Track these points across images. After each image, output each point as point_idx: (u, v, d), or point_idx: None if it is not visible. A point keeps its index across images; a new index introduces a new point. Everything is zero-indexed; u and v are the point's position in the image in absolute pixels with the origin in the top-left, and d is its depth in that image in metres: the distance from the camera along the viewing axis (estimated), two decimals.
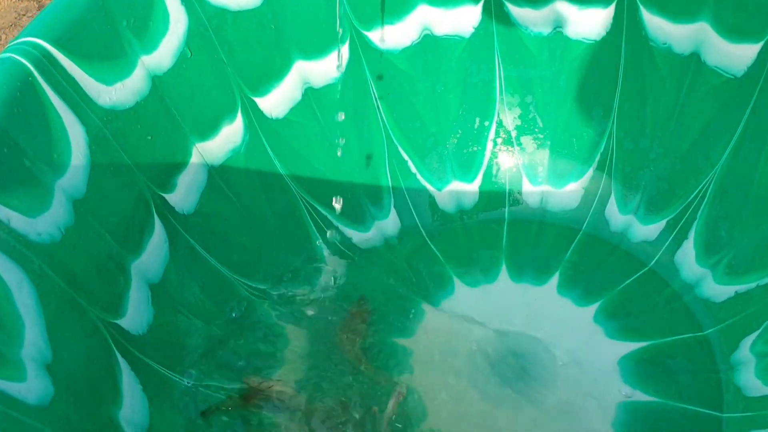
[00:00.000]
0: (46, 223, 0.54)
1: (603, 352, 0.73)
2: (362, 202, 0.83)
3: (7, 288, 0.48)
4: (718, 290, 0.75)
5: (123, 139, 0.64)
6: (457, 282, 0.80)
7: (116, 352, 0.59)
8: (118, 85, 0.64)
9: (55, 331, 0.51)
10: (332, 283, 0.79)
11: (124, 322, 0.62)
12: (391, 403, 0.67)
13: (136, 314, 0.63)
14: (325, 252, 0.82)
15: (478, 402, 0.70)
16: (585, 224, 0.84)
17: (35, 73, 0.57)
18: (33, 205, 0.54)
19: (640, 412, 0.69)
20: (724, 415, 0.68)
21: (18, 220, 0.52)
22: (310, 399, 0.68)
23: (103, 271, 0.60)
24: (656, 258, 0.80)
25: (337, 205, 0.80)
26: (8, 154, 0.53)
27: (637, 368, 0.72)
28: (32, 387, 0.46)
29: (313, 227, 0.81)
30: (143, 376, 0.61)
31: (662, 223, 0.80)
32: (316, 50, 0.78)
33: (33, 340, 0.48)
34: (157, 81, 0.68)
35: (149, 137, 0.67)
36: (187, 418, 0.64)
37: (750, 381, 0.68)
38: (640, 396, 0.70)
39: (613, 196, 0.83)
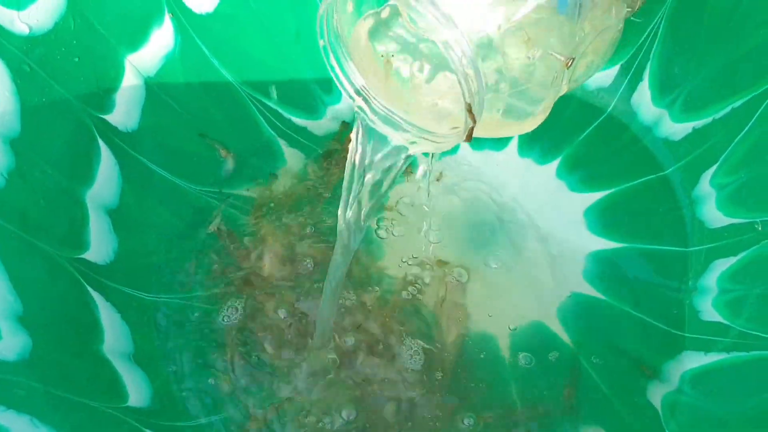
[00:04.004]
0: None
1: (568, 207, 0.75)
2: (311, 89, 0.80)
3: None
4: (675, 128, 0.75)
5: (49, 66, 0.60)
6: (420, 157, 0.79)
7: (87, 287, 0.58)
8: (32, 7, 0.59)
9: (19, 281, 0.50)
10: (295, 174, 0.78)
11: (90, 255, 0.60)
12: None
13: (100, 244, 0.62)
14: (282, 144, 0.80)
15: (454, 265, 0.72)
16: None
17: None
18: None
19: (608, 259, 0.71)
20: (689, 249, 0.70)
21: None
22: None
23: (57, 208, 0.58)
24: (613, 104, 0.79)
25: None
26: None
27: (603, 217, 0.73)
28: (9, 344, 0.46)
29: (264, 123, 0.79)
30: (119, 304, 0.61)
31: (616, 68, 0.78)
32: None
33: (0, 296, 0.48)
34: None
35: (76, 59, 0.63)
36: (169, 335, 0.65)
37: (711, 213, 0.70)
38: (607, 244, 0.71)
39: None
